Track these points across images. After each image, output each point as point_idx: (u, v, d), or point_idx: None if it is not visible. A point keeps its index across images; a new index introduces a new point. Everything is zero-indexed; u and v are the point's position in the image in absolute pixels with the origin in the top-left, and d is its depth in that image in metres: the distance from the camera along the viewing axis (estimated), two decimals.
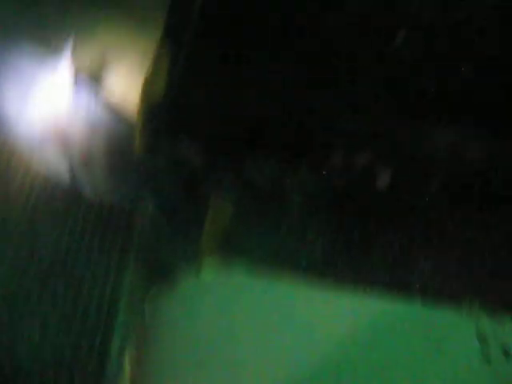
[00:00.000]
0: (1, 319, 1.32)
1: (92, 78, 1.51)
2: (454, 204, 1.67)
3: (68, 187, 1.51)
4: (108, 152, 1.53)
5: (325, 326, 1.11)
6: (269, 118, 1.48)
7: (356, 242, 1.74)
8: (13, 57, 1.54)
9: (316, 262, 1.66)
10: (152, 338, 1.18)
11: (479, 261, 1.50)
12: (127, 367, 1.17)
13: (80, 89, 1.50)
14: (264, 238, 1.65)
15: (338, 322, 1.16)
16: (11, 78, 1.54)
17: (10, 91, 1.55)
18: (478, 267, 1.49)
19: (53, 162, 1.53)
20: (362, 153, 1.61)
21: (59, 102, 1.52)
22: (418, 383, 1.16)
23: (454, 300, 1.42)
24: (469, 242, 1.54)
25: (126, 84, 1.58)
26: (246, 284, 1.24)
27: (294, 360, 1.12)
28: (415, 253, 1.71)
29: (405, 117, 1.54)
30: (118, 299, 1.27)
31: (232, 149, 1.52)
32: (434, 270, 1.56)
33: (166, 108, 1.42)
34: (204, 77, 1.41)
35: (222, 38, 1.34)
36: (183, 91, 1.42)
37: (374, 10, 1.41)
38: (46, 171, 1.54)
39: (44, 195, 1.52)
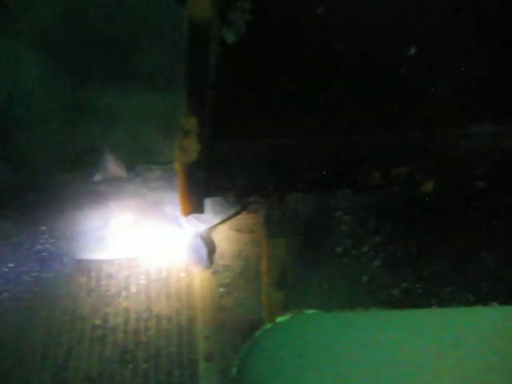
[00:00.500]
0: None
1: None
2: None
3: None
4: None
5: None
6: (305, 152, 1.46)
7: (415, 254, 1.75)
8: None
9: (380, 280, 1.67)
10: None
11: None
12: None
13: None
14: (321, 270, 1.67)
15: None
16: None
17: None
18: None
19: None
20: (403, 165, 1.58)
21: None
22: None
23: None
24: None
25: None
26: (322, 319, 1.22)
27: None
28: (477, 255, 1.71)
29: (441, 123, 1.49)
30: None
31: (274, 190, 1.53)
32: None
33: (200, 167, 1.42)
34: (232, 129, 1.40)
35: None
36: (214, 148, 1.41)
37: None
38: None
39: None
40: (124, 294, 1.79)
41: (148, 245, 1.88)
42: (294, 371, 1.00)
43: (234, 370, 1.00)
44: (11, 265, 1.81)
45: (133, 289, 1.81)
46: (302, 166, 1.50)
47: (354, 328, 1.01)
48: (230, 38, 1.22)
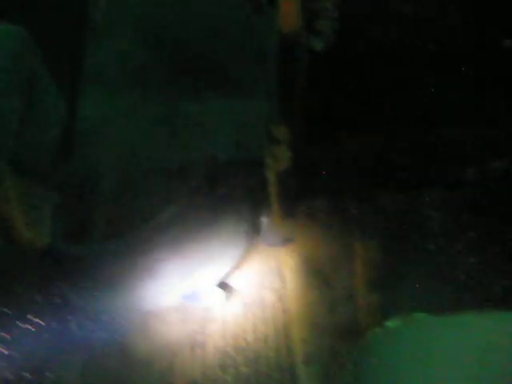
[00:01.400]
0: None
1: None
2: None
3: None
4: None
5: None
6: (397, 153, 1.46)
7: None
8: None
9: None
10: None
11: None
12: None
13: None
14: (415, 269, 1.65)
15: None
16: None
17: None
18: None
19: None
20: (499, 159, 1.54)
21: None
22: None
23: None
24: None
25: None
26: (434, 322, 1.19)
27: None
28: None
29: None
30: None
31: (365, 192, 1.53)
32: None
33: (292, 174, 1.44)
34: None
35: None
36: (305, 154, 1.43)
37: None
38: None
39: None
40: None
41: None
42: (407, 374, 1.00)
43: (348, 376, 1.01)
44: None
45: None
46: (393, 166, 1.49)
47: (469, 330, 0.99)
48: (318, 45, 1.23)
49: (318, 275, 1.84)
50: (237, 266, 1.79)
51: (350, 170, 1.47)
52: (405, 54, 1.24)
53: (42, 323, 1.60)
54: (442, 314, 1.01)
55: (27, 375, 1.61)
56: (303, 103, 1.30)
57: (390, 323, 1.08)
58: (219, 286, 1.80)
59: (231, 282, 1.81)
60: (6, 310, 1.57)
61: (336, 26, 1.19)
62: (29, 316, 1.60)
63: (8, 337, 1.60)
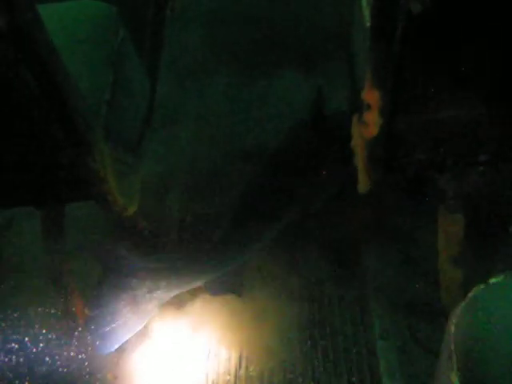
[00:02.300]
0: None
1: None
2: None
3: None
4: None
5: None
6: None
7: None
8: None
9: None
10: None
11: None
12: None
13: None
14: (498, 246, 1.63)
15: None
16: None
17: None
18: None
19: None
20: None
21: None
22: None
23: None
24: None
25: None
26: None
27: None
28: None
29: None
30: None
31: (452, 164, 1.51)
32: None
33: (380, 142, 1.44)
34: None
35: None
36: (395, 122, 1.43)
37: None
38: None
39: None
40: None
41: None
42: (510, 329, 0.99)
43: (452, 327, 1.01)
44: None
45: None
46: (481, 138, 1.47)
47: None
48: (415, 8, 1.23)
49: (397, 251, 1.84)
50: None
51: (438, 140, 1.46)
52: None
53: None
54: None
55: None
56: (397, 68, 1.30)
57: (493, 279, 1.07)
58: None
59: None
60: None
61: None
62: None
63: None
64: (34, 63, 1.18)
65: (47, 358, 1.65)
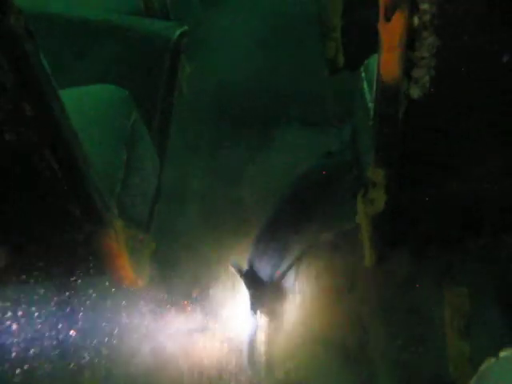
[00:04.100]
0: None
1: None
2: None
3: None
4: None
5: None
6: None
7: None
8: None
9: None
10: None
11: None
12: None
13: None
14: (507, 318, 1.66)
15: None
16: None
17: None
18: None
19: None
20: None
21: None
22: None
23: None
24: None
25: None
26: None
27: None
28: None
29: None
30: None
31: (457, 238, 1.56)
32: None
33: (386, 218, 1.50)
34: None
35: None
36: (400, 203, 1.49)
37: None
38: None
39: None
40: None
41: None
42: None
43: None
44: None
45: None
46: (486, 212, 1.52)
47: None
48: (415, 93, 1.31)
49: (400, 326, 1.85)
50: None
51: (442, 215, 1.51)
52: (505, 99, 1.31)
53: None
54: None
55: None
56: (401, 148, 1.37)
57: (503, 353, 1.09)
58: None
59: None
60: None
61: (433, 73, 1.28)
62: None
63: None
64: (57, 146, 1.25)
65: None
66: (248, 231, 2.06)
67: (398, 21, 1.20)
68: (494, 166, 1.43)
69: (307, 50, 2.71)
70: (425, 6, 1.19)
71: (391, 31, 1.21)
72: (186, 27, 2.22)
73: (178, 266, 2.01)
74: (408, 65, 1.28)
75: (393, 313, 1.84)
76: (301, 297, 1.94)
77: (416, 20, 1.20)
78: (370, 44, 1.35)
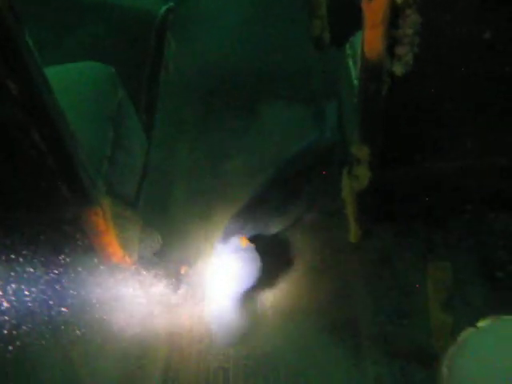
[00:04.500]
0: None
1: None
2: None
3: None
4: None
5: None
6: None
7: None
8: None
9: None
10: None
11: None
12: None
13: None
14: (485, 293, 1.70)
15: None
16: None
17: None
18: None
19: None
20: None
21: None
22: None
23: None
24: None
25: None
26: None
27: None
28: None
29: None
30: None
31: (439, 214, 1.60)
32: None
33: (369, 194, 1.52)
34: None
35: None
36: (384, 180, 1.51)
37: None
38: None
39: None
40: None
41: None
42: (499, 371, 1.05)
43: (444, 369, 1.06)
44: None
45: None
46: (466, 190, 1.55)
47: None
48: (399, 70, 1.33)
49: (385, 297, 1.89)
50: None
51: (424, 191, 1.54)
52: (486, 78, 1.33)
53: None
54: None
55: None
56: (385, 125, 1.39)
57: (481, 323, 1.13)
58: None
59: None
60: None
61: (417, 50, 1.29)
62: None
63: None
64: (44, 125, 1.25)
65: None
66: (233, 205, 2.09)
67: None
68: (475, 144, 1.46)
69: (294, 28, 2.70)
70: None
71: (374, 9, 1.22)
72: (171, 4, 2.22)
73: (166, 242, 2.03)
74: (391, 42, 1.30)
75: (377, 287, 1.87)
76: (287, 272, 1.96)
77: None
78: (356, 22, 1.37)
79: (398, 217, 1.60)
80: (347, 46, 1.77)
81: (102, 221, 1.49)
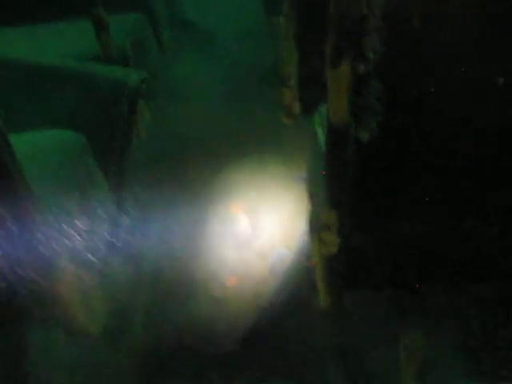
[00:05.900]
0: None
1: None
2: None
3: None
4: None
5: None
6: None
7: None
8: None
9: None
10: None
11: None
12: None
13: None
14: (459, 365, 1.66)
15: None
16: None
17: None
18: None
19: None
20: None
21: None
22: None
23: None
24: None
25: None
26: None
27: None
28: None
29: None
30: None
31: (412, 281, 1.57)
32: None
33: (339, 260, 1.50)
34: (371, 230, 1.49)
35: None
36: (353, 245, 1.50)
37: None
38: None
39: None
40: None
41: None
42: None
43: None
44: None
45: None
46: (441, 257, 1.53)
47: None
48: (364, 137, 1.35)
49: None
50: None
51: (396, 257, 1.52)
52: (450, 143, 1.35)
53: None
54: None
55: None
56: (353, 190, 1.39)
57: None
58: None
59: None
60: None
61: (380, 118, 1.32)
62: None
63: None
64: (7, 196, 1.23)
65: None
66: None
67: (344, 67, 1.24)
68: (447, 209, 1.46)
69: (266, 99, 2.77)
70: (369, 55, 1.24)
71: (338, 77, 1.25)
72: (144, 74, 2.25)
73: None
74: (355, 109, 1.32)
75: (348, 353, 1.83)
76: None
77: (361, 67, 1.25)
78: (324, 91, 1.40)
79: (370, 282, 1.58)
80: (316, 114, 1.80)
81: (64, 288, 1.45)
